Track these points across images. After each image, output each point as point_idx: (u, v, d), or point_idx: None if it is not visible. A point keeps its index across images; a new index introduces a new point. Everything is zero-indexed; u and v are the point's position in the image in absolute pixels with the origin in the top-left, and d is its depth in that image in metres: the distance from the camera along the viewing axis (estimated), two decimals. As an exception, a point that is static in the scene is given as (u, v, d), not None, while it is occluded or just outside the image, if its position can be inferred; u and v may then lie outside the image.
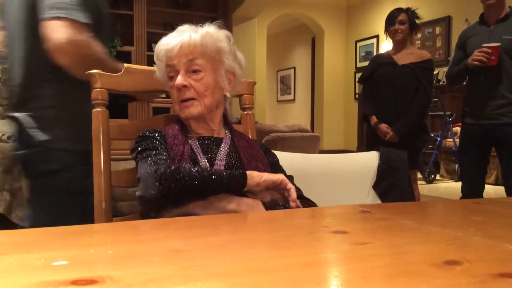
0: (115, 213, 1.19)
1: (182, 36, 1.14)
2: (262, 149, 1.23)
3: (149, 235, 0.74)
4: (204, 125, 1.19)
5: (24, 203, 1.92)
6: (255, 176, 1.03)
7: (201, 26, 1.17)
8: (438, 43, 6.81)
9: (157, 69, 1.21)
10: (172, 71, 1.15)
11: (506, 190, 2.67)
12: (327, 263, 0.56)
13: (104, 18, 1.39)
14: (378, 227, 0.77)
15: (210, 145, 1.16)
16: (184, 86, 1.13)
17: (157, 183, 0.96)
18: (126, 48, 6.29)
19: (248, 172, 1.03)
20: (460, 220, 0.88)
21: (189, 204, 1.00)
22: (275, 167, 1.22)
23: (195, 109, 1.15)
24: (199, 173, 0.98)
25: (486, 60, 2.51)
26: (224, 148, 1.16)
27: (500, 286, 0.46)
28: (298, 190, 1.18)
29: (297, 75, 10.20)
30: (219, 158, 1.14)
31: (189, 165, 1.01)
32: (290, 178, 1.21)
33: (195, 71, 1.14)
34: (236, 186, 1.01)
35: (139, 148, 1.10)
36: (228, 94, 1.20)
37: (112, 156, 1.23)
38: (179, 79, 1.13)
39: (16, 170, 1.88)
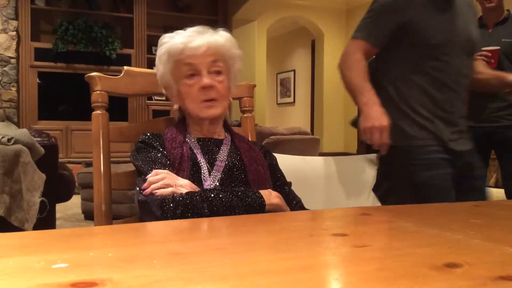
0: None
1: (205, 37, 1.12)
2: (262, 151, 1.22)
3: (149, 237, 0.74)
4: (209, 127, 1.17)
5: (24, 205, 1.91)
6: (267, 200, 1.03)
7: (213, 29, 1.16)
8: (438, 46, 6.81)
9: (162, 66, 1.16)
10: (192, 69, 1.13)
11: (506, 192, 2.67)
12: (327, 266, 0.56)
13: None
14: (378, 229, 0.77)
15: (210, 146, 1.15)
16: (211, 86, 1.12)
17: (164, 216, 0.94)
18: (126, 50, 6.31)
19: (266, 201, 1.01)
20: (460, 223, 0.88)
21: None
22: (274, 169, 1.21)
23: (216, 110, 1.14)
24: (211, 210, 0.95)
25: (486, 63, 2.51)
26: (224, 150, 1.15)
27: (500, 288, 0.46)
28: (299, 201, 1.18)
29: (297, 78, 10.19)
30: (220, 159, 1.12)
31: (200, 198, 0.96)
32: (289, 184, 1.20)
33: (217, 73, 1.14)
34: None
35: (141, 162, 1.07)
36: (231, 98, 1.22)
37: (112, 159, 1.23)
38: (207, 79, 1.12)
39: (16, 173, 1.87)
